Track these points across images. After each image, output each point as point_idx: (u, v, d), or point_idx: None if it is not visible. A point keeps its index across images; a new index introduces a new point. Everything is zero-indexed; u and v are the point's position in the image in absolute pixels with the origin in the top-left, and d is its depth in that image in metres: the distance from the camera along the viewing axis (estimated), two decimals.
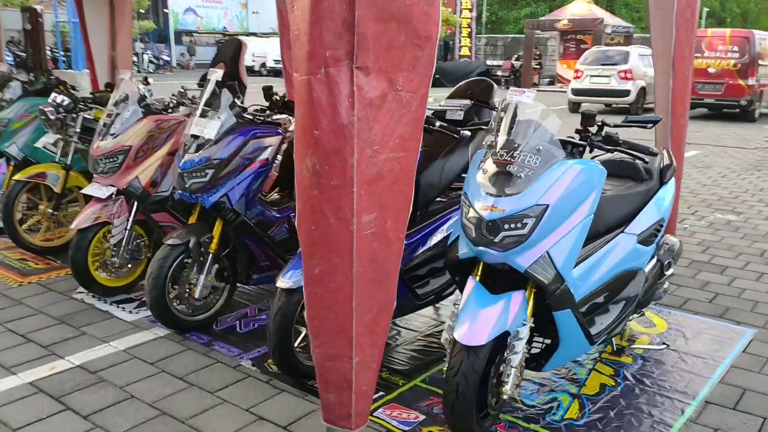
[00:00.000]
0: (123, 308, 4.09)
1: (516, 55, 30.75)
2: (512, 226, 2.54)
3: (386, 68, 2.21)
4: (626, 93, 17.33)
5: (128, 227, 4.12)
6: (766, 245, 5.68)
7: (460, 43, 34.36)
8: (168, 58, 38.91)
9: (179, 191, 3.63)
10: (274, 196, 4.07)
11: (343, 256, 2.30)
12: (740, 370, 3.41)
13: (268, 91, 3.85)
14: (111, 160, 4.06)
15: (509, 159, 2.63)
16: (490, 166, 2.66)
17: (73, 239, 4.08)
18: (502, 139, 2.67)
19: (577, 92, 18.03)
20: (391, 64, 2.22)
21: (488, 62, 32.42)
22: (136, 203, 4.14)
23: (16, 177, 4.90)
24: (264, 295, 4.34)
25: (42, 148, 5.52)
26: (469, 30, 34.08)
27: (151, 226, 4.30)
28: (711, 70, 16.05)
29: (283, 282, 2.99)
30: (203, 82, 4.56)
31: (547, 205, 2.55)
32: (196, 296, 3.64)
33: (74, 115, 5.03)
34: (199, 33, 44.79)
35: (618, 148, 2.85)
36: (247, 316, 4.02)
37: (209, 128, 3.56)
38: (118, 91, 4.17)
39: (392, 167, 2.30)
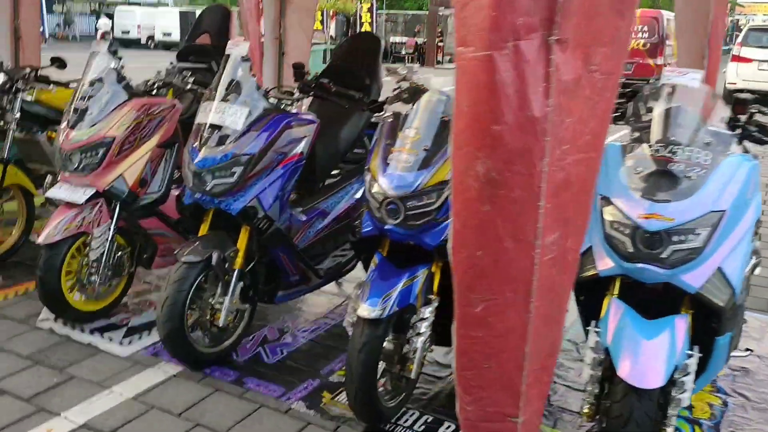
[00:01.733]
0: (110, 338, 3.30)
1: (415, 31, 30.66)
2: (683, 238, 2.10)
3: (584, 42, 1.68)
4: None
5: (110, 237, 3.32)
6: None
7: (360, 19, 33.74)
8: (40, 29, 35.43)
9: (195, 194, 2.91)
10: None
11: (520, 288, 1.77)
12: None
13: (299, 69, 3.16)
14: (88, 154, 3.23)
15: (669, 155, 2.17)
16: (645, 163, 2.19)
17: (40, 256, 3.22)
18: (657, 130, 2.21)
19: None
20: (591, 37, 1.69)
21: (391, 39, 32.13)
22: (118, 208, 3.34)
23: None
24: (279, 312, 3.67)
25: None
26: (369, 5, 33.52)
27: (136, 235, 3.51)
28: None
29: (368, 310, 2.40)
30: (186, 58, 3.81)
31: (723, 211, 2.13)
32: (220, 324, 2.94)
33: (10, 96, 4.08)
34: (73, 0, 41.17)
35: None
36: (267, 340, 3.36)
37: (234, 117, 2.85)
38: (93, 67, 3.32)
39: (579, 172, 1.78)
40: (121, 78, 3.35)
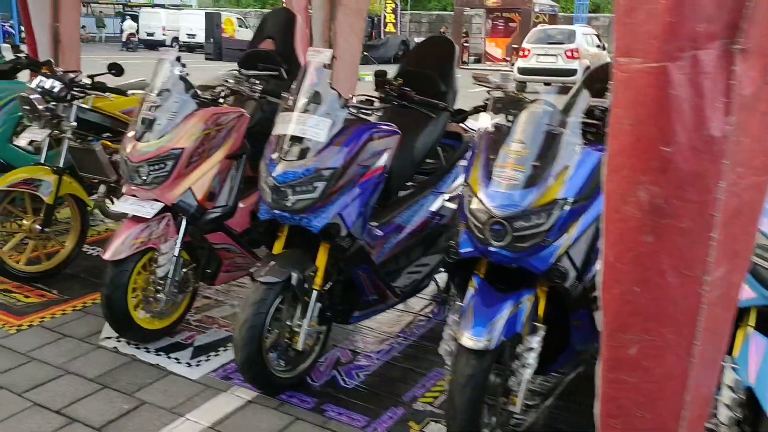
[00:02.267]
0: (176, 359, 3.15)
1: (440, 32, 30.46)
2: None
3: (765, 51, 1.47)
4: (573, 72, 17.14)
5: (177, 253, 3.16)
6: None
7: (385, 19, 33.61)
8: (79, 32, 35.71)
9: (274, 210, 2.74)
10: None
11: (683, 329, 1.56)
12: None
13: (381, 77, 2.98)
14: (157, 167, 3.07)
15: None
16: None
17: (107, 274, 3.07)
18: None
19: (523, 71, 17.75)
20: None
21: (415, 39, 31.99)
22: (185, 222, 3.18)
23: None
24: (347, 332, 3.49)
25: (14, 146, 4.40)
26: (393, 5, 33.36)
27: (201, 250, 3.35)
28: None
29: (473, 340, 2.20)
30: (250, 64, 3.64)
31: None
32: (299, 347, 2.76)
33: (66, 105, 3.94)
34: (99, 3, 41.39)
35: None
36: (341, 362, 3.18)
37: (316, 128, 2.67)
38: (160, 75, 3.16)
39: (751, 197, 1.57)
40: (188, 86, 3.19)
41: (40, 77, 3.95)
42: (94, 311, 3.63)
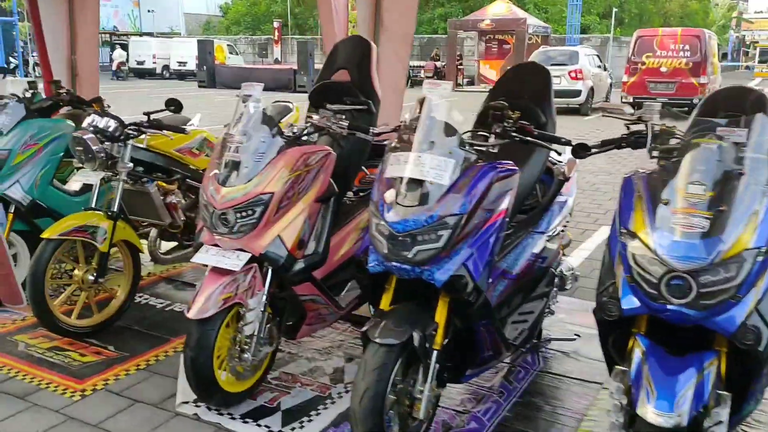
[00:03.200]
0: (267, 427, 2.83)
1: (432, 55, 30.58)
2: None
3: None
4: (577, 93, 17.15)
5: (263, 308, 2.87)
6: None
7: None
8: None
9: (390, 262, 2.46)
10: None
11: None
12: None
13: (499, 110, 2.70)
14: (244, 214, 2.79)
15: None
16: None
17: (191, 334, 2.76)
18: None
19: None
20: None
21: (410, 63, 31.89)
22: (270, 273, 2.89)
23: (46, 234, 3.45)
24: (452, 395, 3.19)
25: (55, 188, 4.10)
26: None
27: (284, 302, 3.05)
28: (663, 69, 16.12)
29: (662, 417, 1.91)
30: (323, 97, 3.37)
31: None
32: (420, 415, 2.46)
33: (120, 144, 3.66)
34: None
35: None
36: (451, 426, 2.88)
37: (438, 170, 2.40)
38: (243, 111, 2.89)
39: None
40: (273, 123, 2.92)
41: (92, 116, 3.66)
42: (160, 370, 3.32)
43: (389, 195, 2.47)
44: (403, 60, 5.66)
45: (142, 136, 3.75)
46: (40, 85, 5.10)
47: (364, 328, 2.47)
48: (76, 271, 3.64)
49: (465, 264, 2.44)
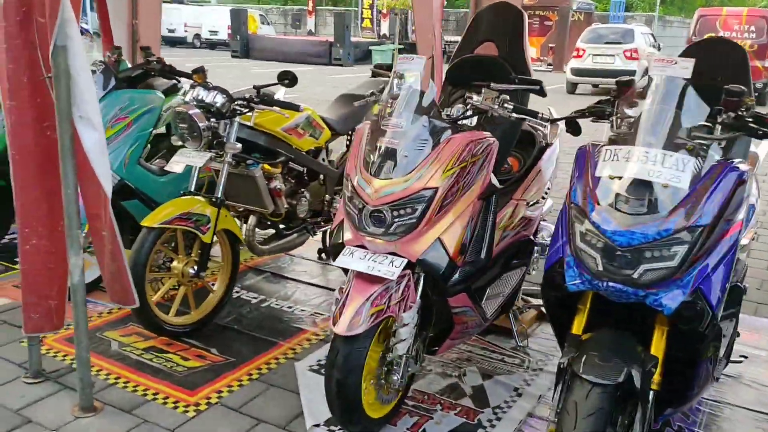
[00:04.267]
0: None
1: None
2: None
3: None
4: (632, 73, 16.38)
5: (417, 323, 2.44)
6: None
7: (412, 16, 32.81)
8: (86, 26, 35.05)
9: (602, 282, 2.00)
10: None
11: None
12: None
13: (735, 96, 2.21)
14: (403, 212, 2.35)
15: None
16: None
17: (337, 352, 2.33)
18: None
19: (577, 72, 16.97)
20: None
21: (444, 38, 31.32)
22: (422, 282, 2.46)
23: (146, 222, 3.04)
24: None
25: (142, 167, 3.69)
26: None
27: (434, 316, 2.62)
28: None
29: None
30: (465, 74, 2.91)
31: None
32: None
33: (227, 122, 3.22)
34: None
35: None
36: None
37: (676, 170, 1.93)
38: (401, 93, 2.43)
39: None
40: (433, 104, 2.46)
41: (197, 89, 3.23)
42: (275, 381, 2.93)
43: (604, 197, 2.01)
44: None
45: (250, 113, 3.31)
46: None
47: (566, 360, 2.03)
48: (175, 263, 3.24)
49: (700, 288, 1.98)
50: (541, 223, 3.28)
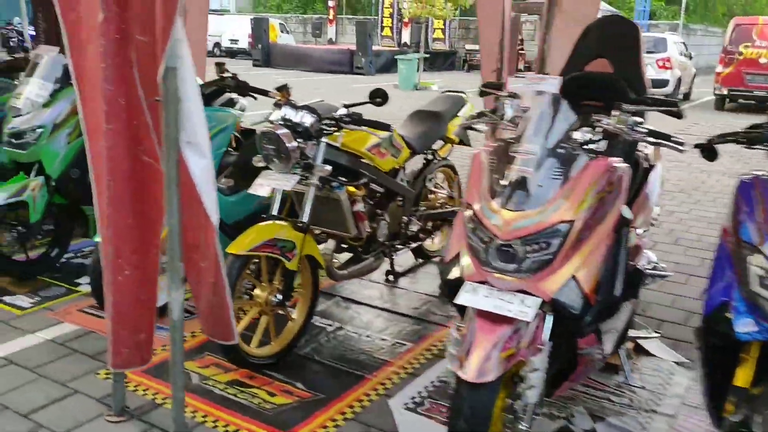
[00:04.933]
0: None
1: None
2: None
3: None
4: (664, 83, 16.16)
5: (546, 366, 2.24)
6: None
7: (433, 25, 32.75)
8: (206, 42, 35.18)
9: None
10: None
11: None
12: None
13: None
14: (536, 246, 2.15)
15: None
16: None
17: (461, 402, 2.13)
18: None
19: None
20: None
21: (466, 46, 31.32)
22: (551, 321, 2.25)
23: (232, 249, 2.86)
24: None
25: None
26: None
27: (559, 357, 2.42)
28: (763, 60, 15.04)
29: None
30: (578, 93, 2.71)
31: None
32: None
33: (314, 143, 3.05)
34: None
35: None
36: None
37: None
38: (537, 108, 2.23)
39: None
40: (567, 129, 2.26)
41: (285, 107, 3.06)
42: (373, 422, 2.74)
43: None
44: None
45: (337, 133, 3.13)
46: None
47: (738, 416, 1.82)
48: (257, 291, 3.06)
49: None
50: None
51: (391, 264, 4.09)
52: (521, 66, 27.29)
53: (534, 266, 2.16)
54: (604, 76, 2.82)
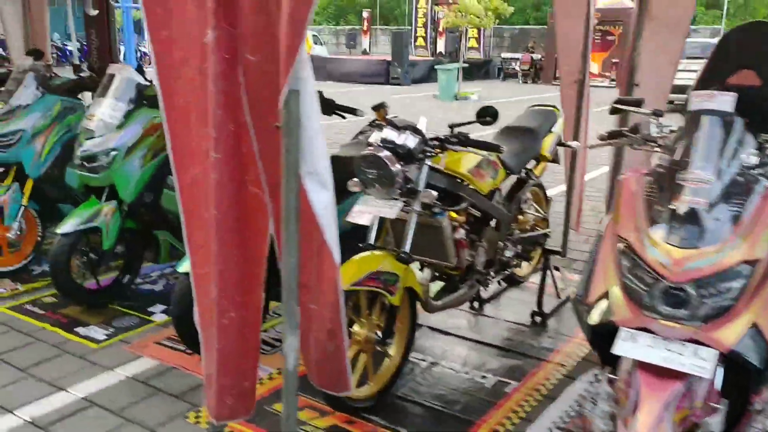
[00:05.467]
0: None
1: (528, 46, 29.15)
2: None
3: None
4: None
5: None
6: None
7: (467, 34, 32.49)
8: (146, 50, 35.62)
9: None
10: None
11: None
12: None
13: None
14: (714, 291, 1.86)
15: None
16: None
17: None
18: None
19: None
20: None
21: (502, 55, 30.97)
22: (722, 376, 1.96)
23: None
24: None
25: None
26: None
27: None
28: None
29: None
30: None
31: None
32: None
33: (418, 165, 2.80)
34: None
35: None
36: None
37: None
38: (705, 135, 1.95)
39: None
40: (741, 152, 1.97)
41: (386, 129, 2.81)
42: None
43: None
44: (671, 56, 4.67)
45: (440, 155, 2.88)
46: None
47: None
48: (356, 328, 2.81)
49: None
50: None
51: (478, 291, 3.82)
52: (558, 74, 27.04)
53: (712, 313, 1.87)
54: (746, 90, 2.50)
